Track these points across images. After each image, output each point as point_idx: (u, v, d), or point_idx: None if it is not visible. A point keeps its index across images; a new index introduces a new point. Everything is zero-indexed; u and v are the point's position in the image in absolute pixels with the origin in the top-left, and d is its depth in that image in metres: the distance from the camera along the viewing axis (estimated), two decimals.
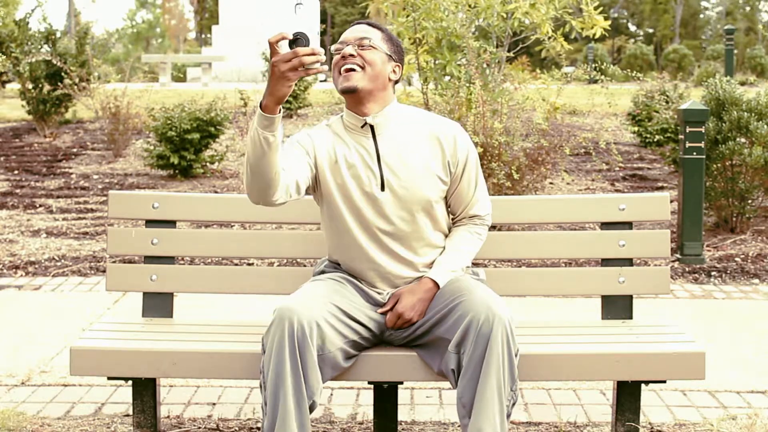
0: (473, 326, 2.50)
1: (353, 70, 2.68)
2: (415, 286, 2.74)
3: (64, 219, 7.36)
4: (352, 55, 2.69)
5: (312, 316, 2.51)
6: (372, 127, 2.73)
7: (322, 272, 2.86)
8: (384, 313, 2.73)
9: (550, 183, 8.11)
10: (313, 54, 2.26)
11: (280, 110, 2.43)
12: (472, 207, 2.86)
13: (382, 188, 2.72)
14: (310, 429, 2.51)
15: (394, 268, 2.76)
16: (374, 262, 2.76)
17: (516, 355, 2.54)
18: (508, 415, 2.52)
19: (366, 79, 2.69)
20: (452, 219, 2.90)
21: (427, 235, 2.79)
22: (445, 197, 2.83)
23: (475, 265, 3.14)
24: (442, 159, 2.76)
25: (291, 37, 2.25)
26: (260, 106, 2.42)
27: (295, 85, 11.86)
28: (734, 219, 6.61)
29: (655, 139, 10.02)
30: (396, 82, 2.78)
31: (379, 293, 2.78)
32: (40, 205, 7.91)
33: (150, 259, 3.14)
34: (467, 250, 2.83)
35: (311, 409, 2.52)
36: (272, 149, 2.46)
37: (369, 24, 2.79)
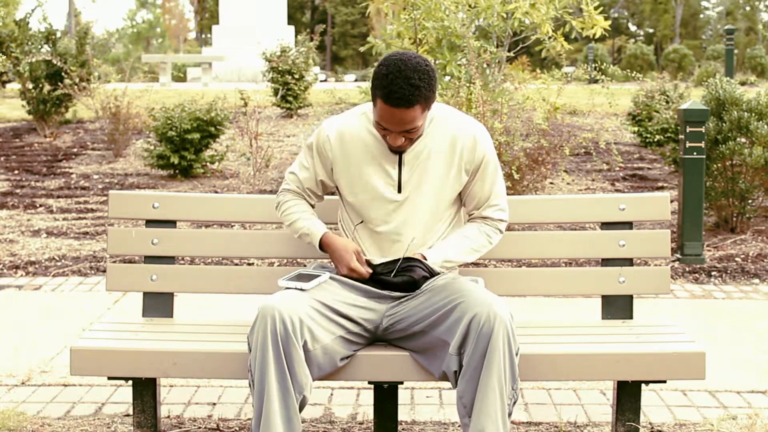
0: (474, 326, 2.50)
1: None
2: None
3: (64, 219, 7.35)
4: (401, 144, 2.71)
5: (294, 312, 2.53)
6: None
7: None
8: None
9: (550, 183, 8.10)
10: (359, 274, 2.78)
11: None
12: (485, 209, 2.88)
13: (399, 190, 2.77)
14: (300, 424, 2.51)
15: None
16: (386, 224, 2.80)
17: (516, 354, 2.55)
18: (509, 414, 2.53)
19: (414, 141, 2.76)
20: (468, 216, 2.93)
21: (439, 236, 2.84)
22: (460, 194, 2.87)
23: (475, 265, 3.14)
24: (458, 165, 2.80)
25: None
26: (319, 244, 2.83)
27: (295, 85, 11.87)
28: (734, 219, 6.60)
29: (655, 139, 10.02)
30: None
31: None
32: (41, 205, 7.91)
33: (150, 259, 3.14)
34: (469, 245, 2.84)
35: (302, 404, 2.53)
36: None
37: (409, 102, 2.58)
